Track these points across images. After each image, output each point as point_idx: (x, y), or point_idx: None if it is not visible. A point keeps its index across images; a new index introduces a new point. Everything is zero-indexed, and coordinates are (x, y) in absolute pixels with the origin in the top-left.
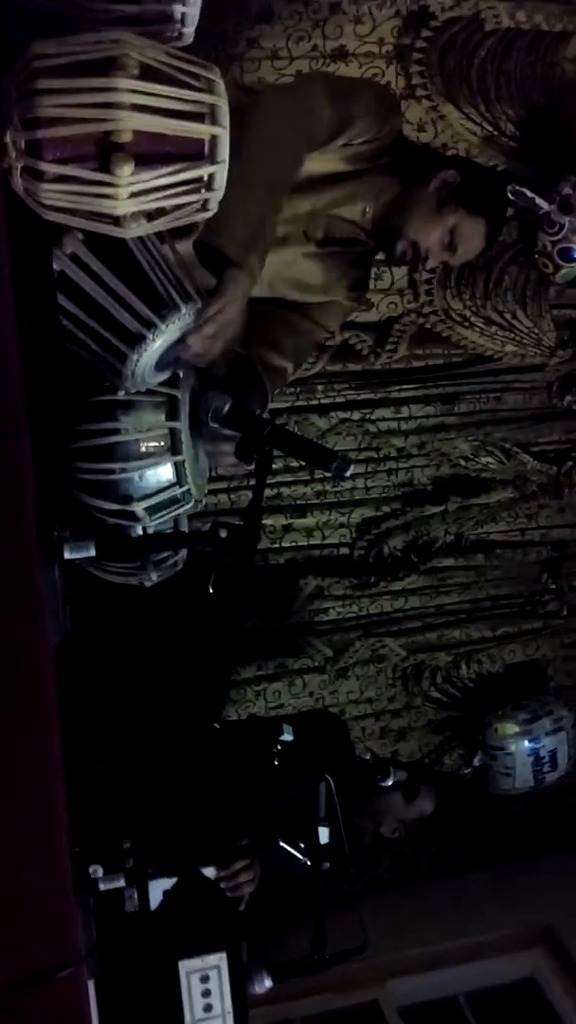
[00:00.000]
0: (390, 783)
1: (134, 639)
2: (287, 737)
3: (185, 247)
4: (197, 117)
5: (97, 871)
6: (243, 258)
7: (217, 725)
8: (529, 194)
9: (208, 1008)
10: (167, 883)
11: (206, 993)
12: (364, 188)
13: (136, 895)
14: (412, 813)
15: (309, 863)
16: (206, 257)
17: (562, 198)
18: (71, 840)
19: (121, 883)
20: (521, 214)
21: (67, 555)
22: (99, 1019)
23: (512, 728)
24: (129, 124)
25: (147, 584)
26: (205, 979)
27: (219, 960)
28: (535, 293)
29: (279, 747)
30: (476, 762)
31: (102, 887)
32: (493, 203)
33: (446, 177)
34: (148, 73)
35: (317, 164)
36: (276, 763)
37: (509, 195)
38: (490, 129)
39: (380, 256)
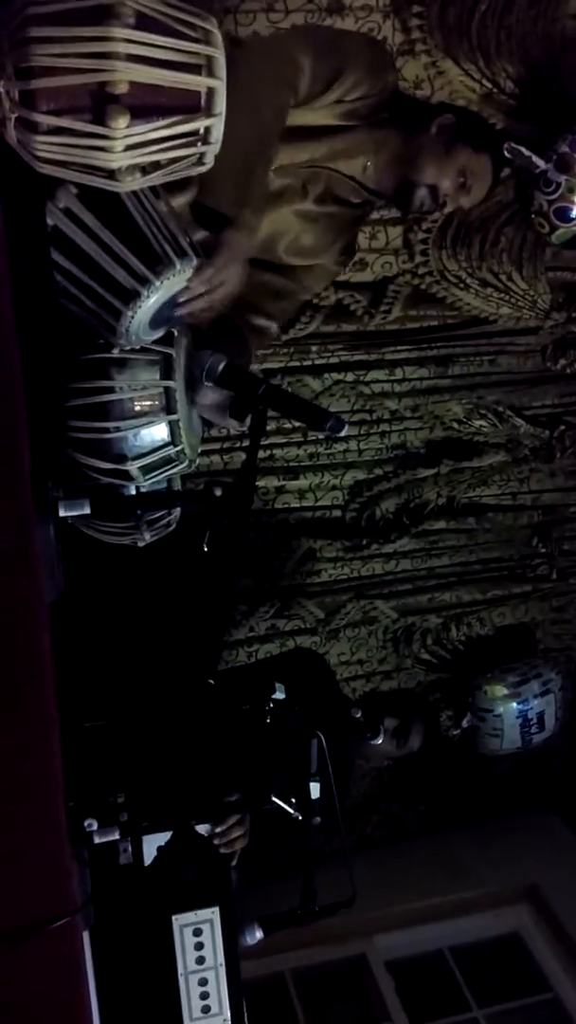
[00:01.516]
0: (380, 741)
1: (128, 598)
2: (279, 695)
3: (180, 204)
4: (194, 68)
5: (92, 824)
6: (239, 215)
7: (212, 681)
8: (526, 152)
9: (201, 960)
10: (161, 839)
11: (199, 946)
12: (363, 142)
13: (130, 848)
14: (402, 752)
15: (300, 818)
16: (201, 215)
17: (559, 156)
18: (66, 794)
19: (116, 836)
20: (518, 173)
21: (62, 513)
22: (94, 969)
23: (501, 690)
24: (125, 75)
25: (140, 544)
26: (198, 932)
27: (212, 914)
28: (531, 255)
29: (271, 705)
30: (465, 723)
31: (97, 840)
32: (492, 141)
33: (443, 121)
34: (144, 22)
35: (312, 117)
36: (268, 720)
37: (506, 153)
38: (489, 86)
39: (376, 215)
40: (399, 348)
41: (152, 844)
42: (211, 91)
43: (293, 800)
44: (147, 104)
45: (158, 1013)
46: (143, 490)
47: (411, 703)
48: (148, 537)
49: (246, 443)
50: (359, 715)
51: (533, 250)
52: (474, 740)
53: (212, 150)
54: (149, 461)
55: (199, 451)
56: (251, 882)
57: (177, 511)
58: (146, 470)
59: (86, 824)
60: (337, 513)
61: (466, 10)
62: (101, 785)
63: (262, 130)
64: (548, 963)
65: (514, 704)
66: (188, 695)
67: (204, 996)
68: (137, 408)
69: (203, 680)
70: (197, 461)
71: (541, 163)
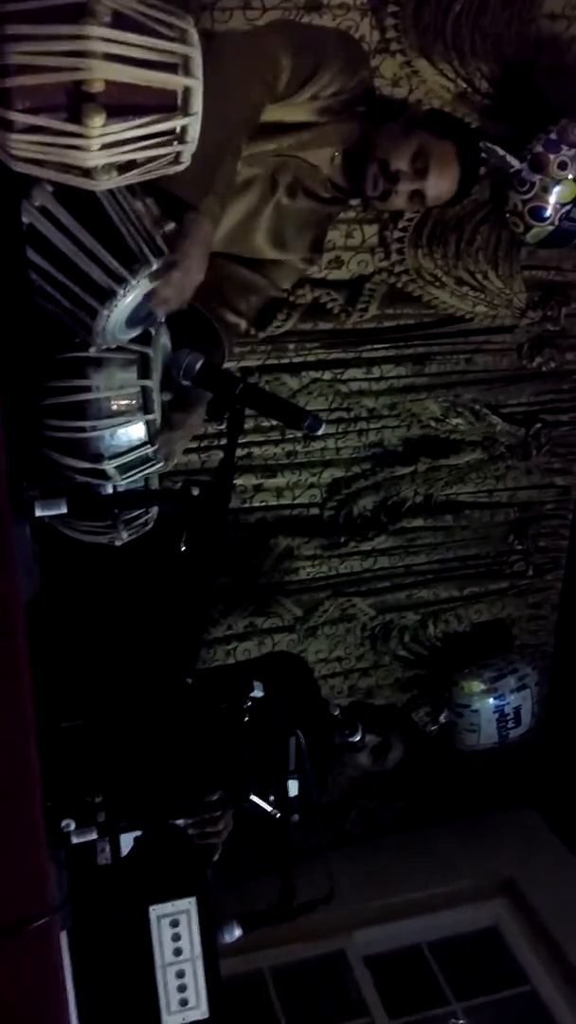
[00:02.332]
0: (357, 739)
1: (105, 597)
2: (258, 693)
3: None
4: (170, 68)
5: (70, 825)
6: (200, 200)
7: (190, 680)
8: (500, 151)
9: (178, 952)
10: (139, 834)
11: (176, 937)
12: (331, 134)
13: (108, 848)
14: (377, 768)
15: (278, 815)
16: (166, 203)
17: (533, 156)
18: (44, 795)
19: (93, 836)
20: (493, 173)
21: (38, 512)
22: (72, 969)
23: (478, 686)
24: (101, 73)
25: (117, 543)
26: (175, 923)
27: (189, 905)
28: (506, 254)
29: (249, 703)
30: (442, 719)
31: (74, 840)
32: (465, 146)
33: (412, 111)
34: (120, 21)
35: (287, 113)
36: (246, 719)
37: (481, 152)
38: (464, 85)
39: (352, 214)
40: (376, 346)
41: (129, 837)
42: (188, 90)
43: (271, 798)
44: (123, 103)
45: (136, 1007)
46: (120, 489)
47: (393, 720)
48: (125, 536)
49: (224, 441)
50: (337, 712)
51: (508, 249)
52: (451, 736)
53: (188, 149)
54: (126, 460)
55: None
56: (230, 880)
57: (155, 510)
58: (123, 469)
59: (63, 825)
60: (315, 511)
61: (440, 10)
62: (79, 785)
63: (233, 122)
64: (525, 956)
65: (491, 700)
66: (166, 694)
67: (182, 988)
68: (114, 407)
69: (181, 679)
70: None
71: (515, 163)
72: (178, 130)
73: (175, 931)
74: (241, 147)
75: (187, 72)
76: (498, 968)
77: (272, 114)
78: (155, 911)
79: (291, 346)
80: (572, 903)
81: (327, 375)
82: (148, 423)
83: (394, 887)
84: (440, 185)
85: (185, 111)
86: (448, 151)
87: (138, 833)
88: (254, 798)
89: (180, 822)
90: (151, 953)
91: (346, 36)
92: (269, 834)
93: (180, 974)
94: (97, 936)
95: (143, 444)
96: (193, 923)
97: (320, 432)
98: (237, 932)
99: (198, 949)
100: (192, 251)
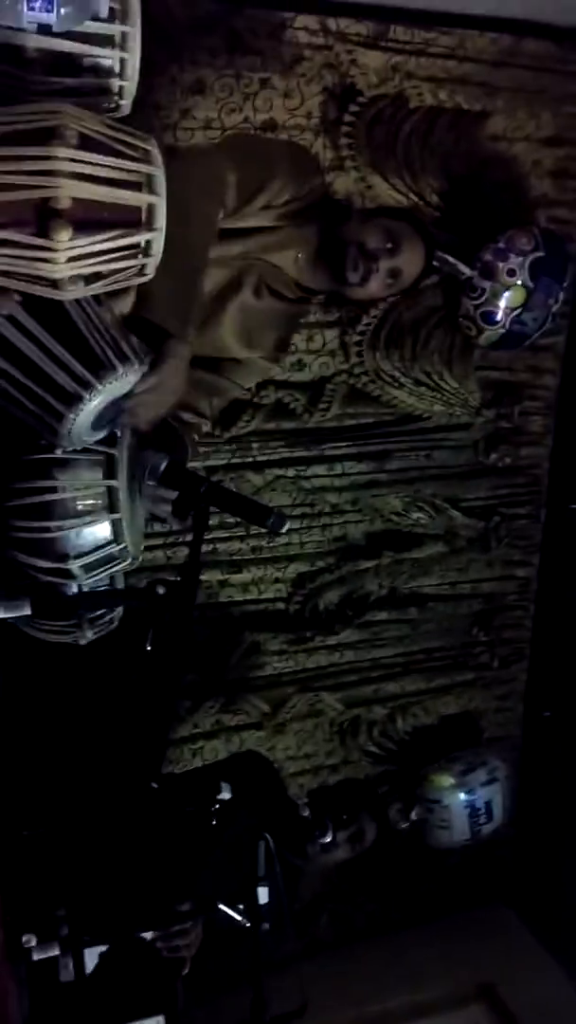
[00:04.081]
0: (328, 839)
1: (69, 698)
2: (225, 795)
3: (120, 308)
4: (134, 186)
5: (30, 940)
6: (184, 332)
7: (155, 784)
8: (452, 260)
9: None
10: (103, 946)
11: None
12: (293, 236)
13: (71, 964)
14: (358, 852)
15: (248, 925)
16: (139, 328)
17: (483, 264)
18: (3, 909)
19: (56, 952)
20: (446, 280)
21: (1, 615)
22: None
23: (448, 780)
24: (68, 192)
25: (82, 642)
26: None
27: None
28: (461, 355)
29: (217, 805)
30: (413, 816)
31: (36, 956)
32: (418, 224)
33: (362, 208)
34: (87, 143)
35: (246, 221)
36: (214, 822)
37: (434, 262)
38: (415, 199)
39: (313, 319)
40: (338, 444)
41: (94, 952)
42: (151, 207)
43: (240, 906)
44: (89, 218)
45: None
46: (84, 588)
47: (357, 800)
48: (90, 635)
49: (189, 538)
50: (307, 813)
51: (462, 351)
52: (423, 833)
53: (153, 262)
54: (91, 559)
55: (142, 548)
56: (200, 995)
57: (120, 608)
58: (88, 568)
59: (24, 940)
60: (281, 606)
61: (392, 130)
62: (40, 897)
63: (199, 246)
64: None
65: (461, 794)
66: (131, 799)
67: None
68: (80, 507)
69: (146, 783)
70: (140, 558)
71: (466, 270)
72: (143, 244)
73: None
74: (205, 266)
75: (151, 190)
76: None
77: (232, 222)
78: None
79: (255, 445)
80: (552, 1006)
81: (291, 472)
82: (114, 522)
83: (369, 996)
84: (413, 260)
85: (149, 226)
86: (409, 228)
87: (103, 948)
88: (224, 907)
89: (147, 935)
90: None
91: (295, 146)
92: (239, 945)
93: None
94: None
95: (109, 543)
96: None
97: (284, 529)
98: None
99: None
100: (168, 369)
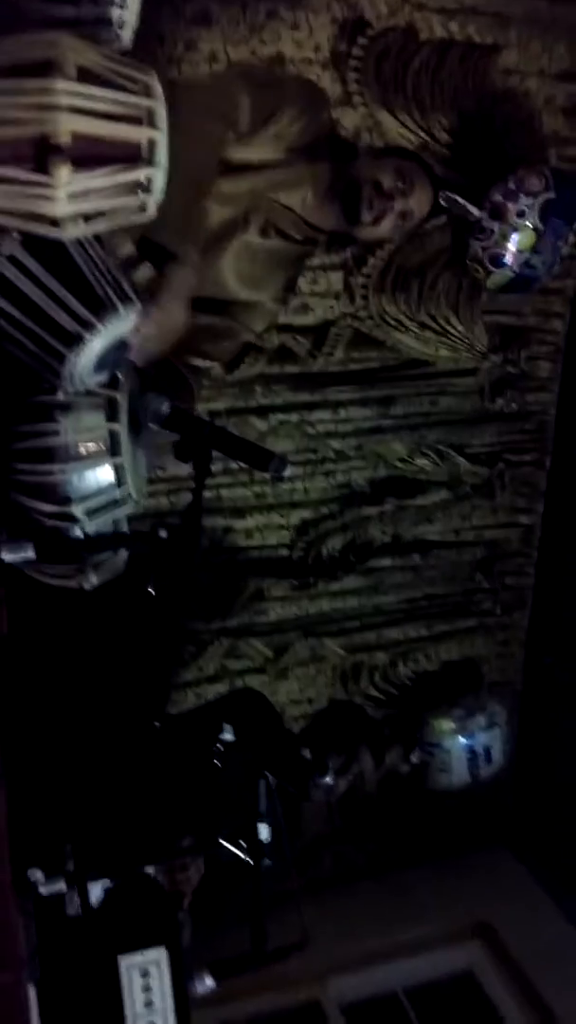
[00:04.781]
0: (330, 780)
1: (73, 641)
2: (228, 736)
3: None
4: (134, 120)
5: (37, 875)
6: (182, 250)
7: (157, 724)
8: (461, 201)
9: (149, 1004)
10: (108, 881)
11: (146, 988)
12: (302, 174)
13: (77, 898)
14: (359, 782)
15: (250, 861)
16: (144, 251)
17: (493, 205)
18: (10, 845)
19: (62, 887)
20: (454, 221)
21: (4, 557)
22: (40, 1022)
23: (448, 725)
24: (67, 126)
25: (86, 587)
26: (145, 974)
27: (159, 955)
28: (468, 299)
29: (219, 746)
30: (414, 759)
31: (42, 891)
32: (424, 164)
33: (369, 146)
34: (86, 76)
35: (252, 152)
36: (216, 762)
37: (442, 202)
38: (424, 137)
39: (318, 261)
40: (342, 389)
41: (98, 886)
42: (152, 142)
43: (242, 843)
44: (89, 154)
45: None
46: (89, 532)
47: (353, 736)
48: (94, 579)
49: (192, 484)
50: (307, 754)
51: (470, 294)
52: (424, 776)
53: (154, 199)
54: (94, 503)
55: (145, 492)
56: (201, 930)
57: (123, 553)
58: (91, 512)
59: (31, 875)
60: (284, 552)
61: (400, 64)
62: (46, 834)
63: (203, 165)
64: (502, 1000)
65: (461, 738)
66: (135, 738)
67: None
68: (82, 450)
69: (149, 723)
70: (143, 502)
71: (476, 211)
72: (143, 180)
73: (145, 981)
74: (210, 187)
75: (151, 124)
76: (474, 1012)
77: (241, 153)
78: (125, 961)
79: (258, 389)
80: (547, 945)
81: (294, 417)
82: (116, 466)
83: (368, 933)
84: (422, 202)
85: (150, 162)
86: (419, 168)
87: (108, 882)
88: (225, 843)
89: (150, 870)
90: (121, 1005)
91: (304, 79)
92: (240, 881)
93: None
94: (66, 990)
95: (111, 487)
96: (164, 973)
97: (286, 474)
98: (209, 982)
99: (169, 1000)
100: (174, 301)
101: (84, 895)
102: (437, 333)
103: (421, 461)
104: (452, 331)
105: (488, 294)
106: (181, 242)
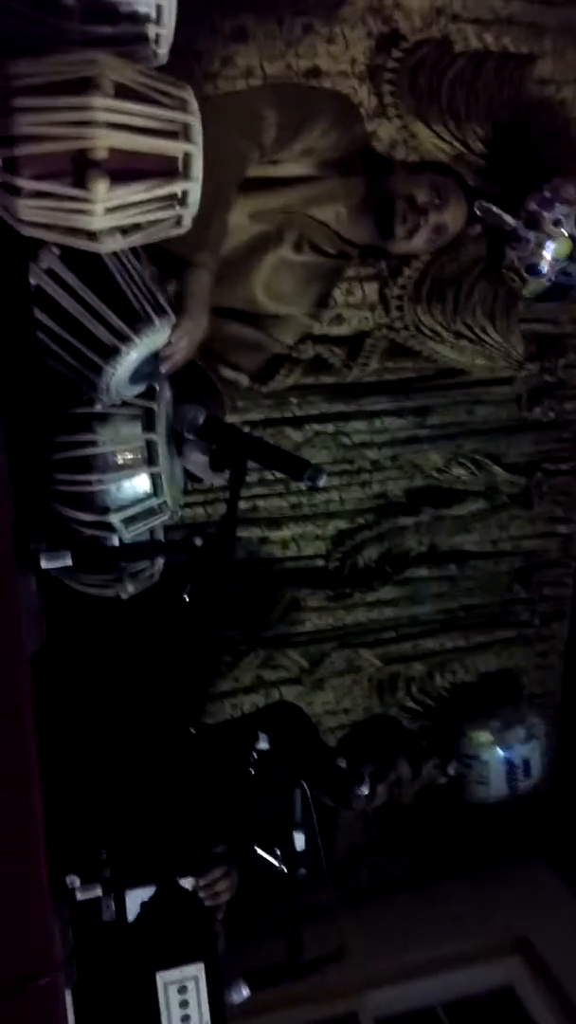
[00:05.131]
0: (367, 790)
1: (111, 649)
2: (263, 745)
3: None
4: (171, 135)
5: (74, 881)
6: (196, 257)
7: (193, 730)
8: (496, 210)
9: (186, 1019)
10: (144, 894)
11: (184, 1004)
12: (335, 189)
13: (113, 904)
14: (394, 795)
15: (285, 870)
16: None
17: (528, 214)
18: (48, 851)
19: (98, 893)
20: (489, 230)
21: (43, 565)
22: None
23: (486, 737)
24: (105, 142)
25: (123, 596)
26: (183, 990)
27: (197, 971)
28: (504, 308)
29: (255, 755)
30: (451, 771)
31: (79, 897)
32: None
33: (404, 161)
34: (123, 92)
35: (288, 168)
36: (252, 771)
37: (477, 211)
38: (460, 147)
39: (352, 272)
40: (378, 399)
41: (135, 899)
42: (188, 156)
43: (277, 852)
44: (126, 169)
45: None
46: (125, 541)
47: (390, 746)
48: (131, 589)
49: (227, 494)
50: (344, 765)
51: (506, 303)
52: (461, 788)
53: (190, 212)
54: (131, 513)
55: (181, 502)
56: (237, 941)
57: (160, 562)
58: (128, 521)
59: (68, 880)
60: (320, 562)
61: (435, 75)
62: (83, 841)
63: (222, 177)
64: (542, 1016)
65: (499, 750)
66: (172, 747)
67: None
68: (119, 461)
69: (185, 730)
70: (180, 512)
71: (511, 220)
72: (179, 194)
73: (183, 998)
74: (231, 200)
75: (187, 138)
76: None
77: (274, 169)
78: (162, 977)
79: (294, 400)
80: None
81: (330, 428)
82: (153, 475)
83: (406, 946)
84: (457, 217)
85: (186, 176)
86: (454, 184)
87: (146, 895)
88: (260, 851)
89: (189, 885)
90: (158, 1020)
91: (337, 93)
92: (276, 890)
93: None
94: (102, 996)
95: (148, 496)
96: (201, 989)
97: (322, 483)
98: (245, 992)
99: (207, 1016)
100: (194, 307)
101: (120, 901)
102: (473, 342)
103: (458, 471)
104: (488, 340)
105: (524, 303)
106: (197, 249)
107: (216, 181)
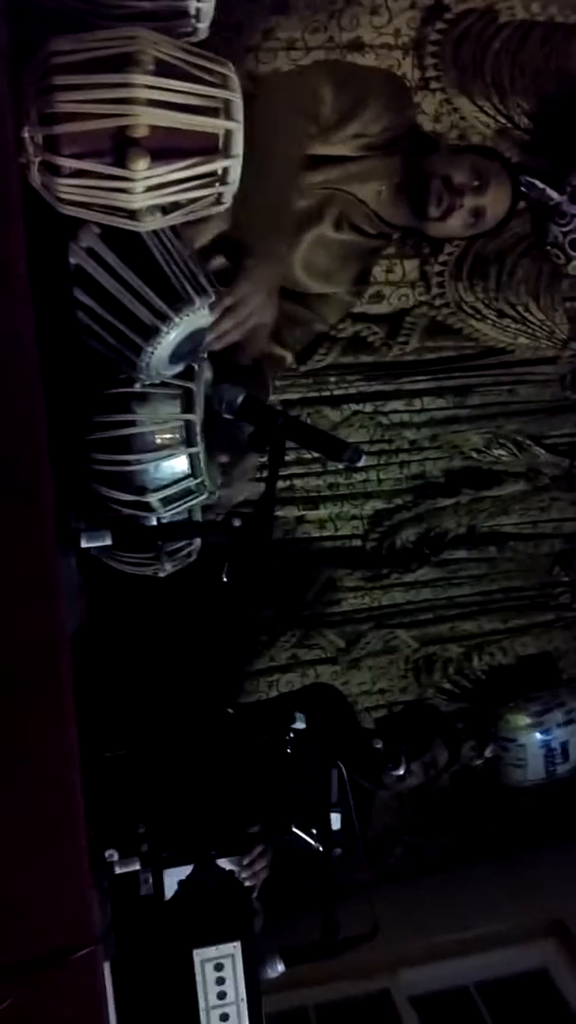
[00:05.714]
0: (402, 771)
1: (149, 628)
2: (299, 725)
3: (199, 240)
4: (211, 112)
5: (113, 855)
6: (260, 244)
7: (231, 710)
8: (540, 185)
9: (222, 995)
10: (182, 873)
11: (220, 981)
12: (377, 168)
13: (151, 879)
14: (435, 775)
15: (320, 849)
16: (227, 247)
17: (573, 189)
18: (87, 825)
19: (136, 867)
20: (533, 206)
21: (83, 544)
22: (115, 1000)
23: (524, 719)
24: (145, 119)
25: (161, 575)
26: (219, 967)
27: (233, 949)
28: (548, 285)
29: (291, 735)
30: (488, 753)
31: (117, 870)
32: (510, 168)
33: (451, 142)
34: (163, 69)
35: (332, 148)
36: (288, 751)
37: (521, 187)
38: (504, 121)
39: (390, 249)
40: (417, 378)
41: (173, 878)
42: (229, 133)
43: (313, 831)
44: (166, 146)
45: None
46: (164, 521)
47: (427, 727)
48: (169, 568)
49: (265, 474)
50: (380, 745)
51: (550, 281)
52: (497, 771)
53: (230, 190)
54: (170, 493)
55: (219, 482)
56: (273, 917)
57: (198, 542)
58: (166, 501)
59: (107, 854)
60: (357, 543)
61: (480, 48)
62: (122, 815)
63: (283, 159)
64: None
65: (537, 734)
66: (209, 725)
67: None
68: (158, 441)
69: (223, 709)
70: (217, 493)
71: (555, 195)
72: (220, 172)
73: (219, 975)
74: (294, 186)
75: (228, 116)
76: (548, 1011)
77: (317, 148)
78: (199, 955)
79: (332, 379)
80: None
81: (368, 407)
82: (191, 456)
83: (440, 926)
84: (498, 202)
85: (227, 153)
86: (498, 168)
87: (183, 873)
88: (296, 831)
89: (227, 865)
90: (195, 996)
91: (391, 75)
92: (312, 869)
93: (224, 1017)
94: (140, 969)
95: (186, 477)
96: (238, 966)
97: (360, 463)
98: (280, 967)
99: (243, 992)
100: (253, 294)
101: (158, 876)
102: (516, 321)
103: (498, 452)
104: (531, 319)
105: (569, 280)
106: (264, 236)
107: (282, 164)
